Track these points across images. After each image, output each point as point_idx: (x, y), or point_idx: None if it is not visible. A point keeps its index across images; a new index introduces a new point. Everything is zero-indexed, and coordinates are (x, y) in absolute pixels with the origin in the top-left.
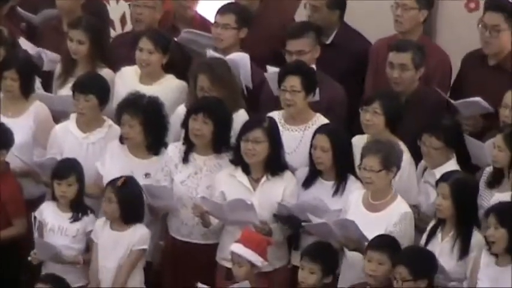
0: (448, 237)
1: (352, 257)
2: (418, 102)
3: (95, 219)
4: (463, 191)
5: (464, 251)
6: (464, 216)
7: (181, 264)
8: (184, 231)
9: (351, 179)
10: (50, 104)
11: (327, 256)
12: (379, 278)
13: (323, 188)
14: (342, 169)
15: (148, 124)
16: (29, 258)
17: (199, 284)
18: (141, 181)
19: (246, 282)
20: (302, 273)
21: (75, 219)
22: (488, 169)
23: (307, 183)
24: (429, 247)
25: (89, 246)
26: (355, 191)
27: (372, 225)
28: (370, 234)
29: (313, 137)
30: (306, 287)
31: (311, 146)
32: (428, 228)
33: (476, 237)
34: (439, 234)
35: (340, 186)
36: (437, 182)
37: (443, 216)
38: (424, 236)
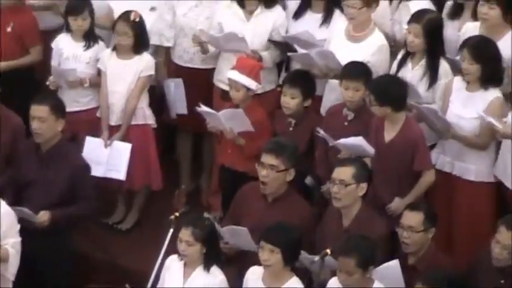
0: (418, 66)
1: (333, 82)
2: None
3: (104, 47)
4: (433, 29)
5: (433, 79)
6: (434, 50)
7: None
8: (186, 57)
9: (337, 13)
10: None
11: (305, 81)
12: (355, 102)
13: (312, 19)
14: (330, 1)
15: None
16: (47, 83)
17: (201, 106)
18: (146, 15)
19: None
20: (284, 99)
21: (87, 47)
22: (450, 2)
23: (298, 14)
24: (400, 74)
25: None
26: (339, 23)
27: (352, 54)
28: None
29: None
30: (289, 112)
31: None
32: (399, 57)
33: (443, 66)
34: (409, 63)
35: (327, 17)
36: (409, 22)
37: (415, 50)
38: (395, 65)
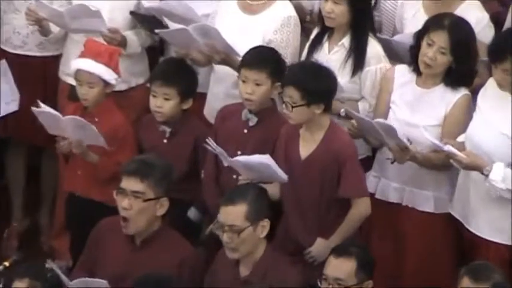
0: (337, 47)
1: (220, 70)
2: None
3: None
4: None
5: (359, 64)
6: (361, 24)
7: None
8: (16, 41)
9: None
10: None
11: (183, 75)
12: (257, 102)
13: None
14: None
15: None
16: None
17: (41, 104)
18: None
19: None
20: (155, 101)
21: None
22: None
23: None
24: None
25: None
26: None
27: (248, 31)
28: (247, 43)
29: None
30: (163, 119)
31: None
32: (312, 36)
33: (373, 46)
34: (325, 44)
35: None
36: None
37: (335, 24)
38: (305, 48)
